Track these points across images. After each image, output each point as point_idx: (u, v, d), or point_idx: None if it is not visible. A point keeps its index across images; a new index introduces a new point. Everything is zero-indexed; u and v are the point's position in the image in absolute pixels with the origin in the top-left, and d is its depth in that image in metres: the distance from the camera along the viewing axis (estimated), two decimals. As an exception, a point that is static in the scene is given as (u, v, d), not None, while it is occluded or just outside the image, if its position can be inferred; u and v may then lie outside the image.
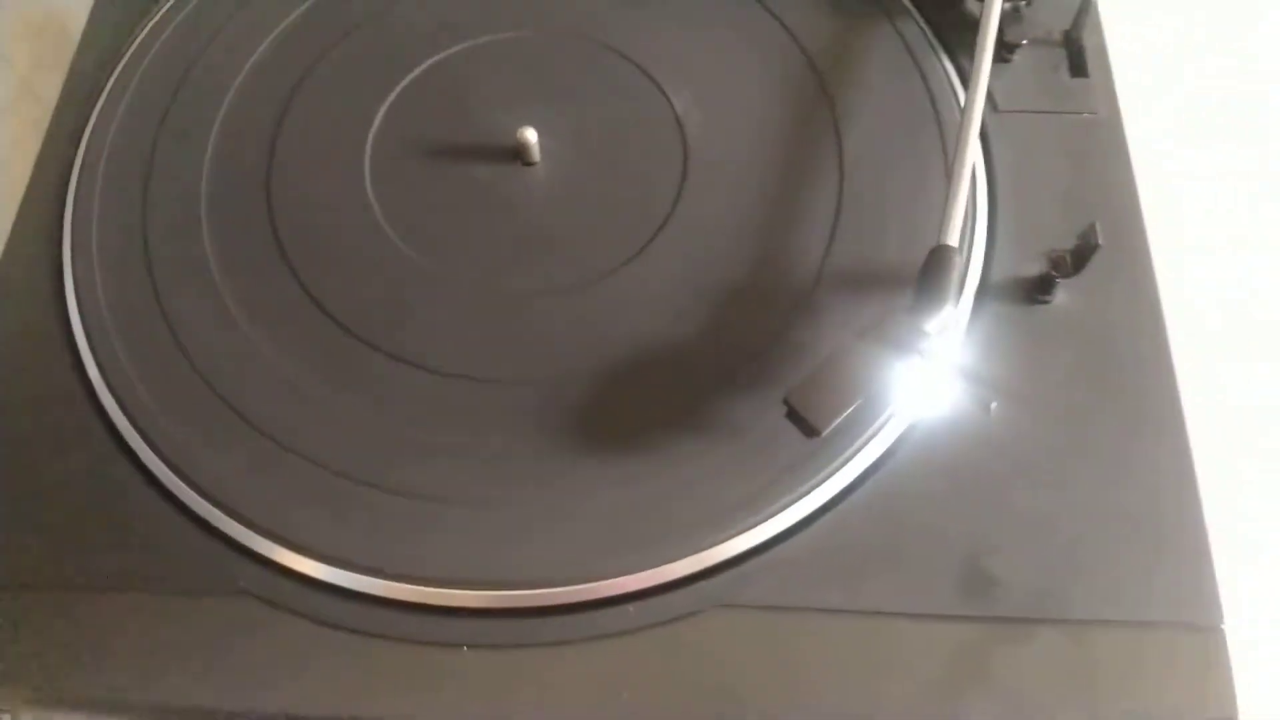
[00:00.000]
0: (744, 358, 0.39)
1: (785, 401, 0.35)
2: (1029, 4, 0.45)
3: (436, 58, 0.47)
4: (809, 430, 0.35)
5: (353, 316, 0.41)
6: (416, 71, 0.47)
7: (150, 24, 0.49)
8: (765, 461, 0.37)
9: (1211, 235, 0.51)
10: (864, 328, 0.36)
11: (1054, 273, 0.39)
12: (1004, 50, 0.45)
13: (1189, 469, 0.38)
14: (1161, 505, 0.37)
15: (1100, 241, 0.37)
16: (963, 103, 0.44)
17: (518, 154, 0.44)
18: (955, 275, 0.37)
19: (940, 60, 0.46)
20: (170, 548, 0.37)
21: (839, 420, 0.34)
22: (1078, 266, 0.38)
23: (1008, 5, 0.45)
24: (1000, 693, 0.34)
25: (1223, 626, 0.35)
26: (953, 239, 0.38)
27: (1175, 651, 0.35)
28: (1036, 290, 0.40)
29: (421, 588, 0.36)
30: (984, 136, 0.44)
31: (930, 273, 0.37)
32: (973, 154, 0.40)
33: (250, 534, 0.37)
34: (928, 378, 0.38)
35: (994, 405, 0.36)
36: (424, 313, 0.41)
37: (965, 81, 0.45)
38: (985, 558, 0.36)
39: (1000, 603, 0.35)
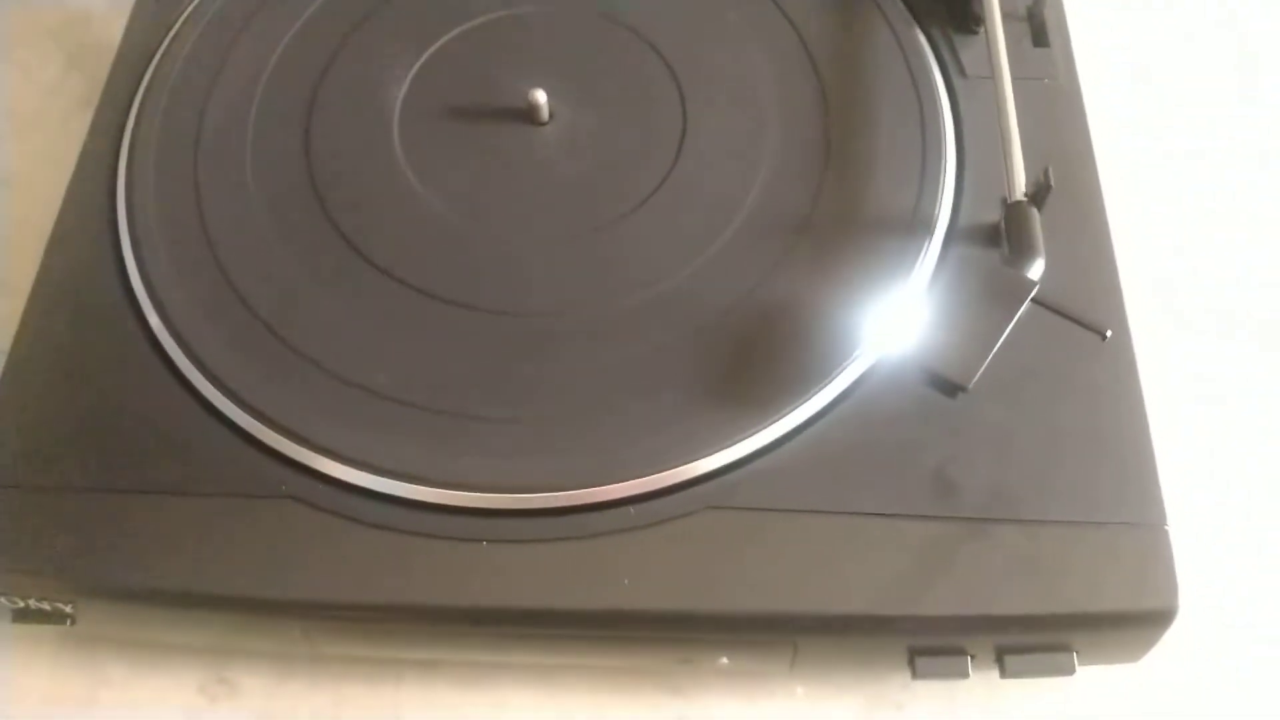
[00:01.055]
0: (736, 295, 0.44)
1: (925, 368, 0.38)
2: None
3: (459, 29, 0.51)
4: (954, 388, 0.38)
5: (382, 255, 0.45)
6: (438, 44, 0.51)
7: (192, 6, 0.53)
8: (752, 382, 0.41)
9: (1166, 192, 0.55)
10: (973, 285, 0.39)
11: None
12: (972, 23, 0.50)
13: (1135, 385, 0.41)
14: (1110, 418, 0.41)
15: (1052, 183, 0.42)
16: (936, 71, 0.49)
17: (529, 115, 0.48)
18: (1038, 226, 0.41)
19: (915, 32, 0.50)
20: (218, 457, 0.41)
21: (981, 371, 0.37)
22: (1034, 206, 0.43)
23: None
24: (960, 583, 0.38)
25: (1166, 526, 0.39)
26: (1020, 195, 0.42)
27: (1121, 547, 0.38)
28: (998, 233, 0.44)
29: (445, 490, 0.39)
30: (953, 99, 0.48)
31: (1015, 228, 0.41)
32: (1014, 124, 0.44)
33: (293, 445, 0.41)
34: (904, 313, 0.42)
35: (1108, 333, 0.40)
36: (447, 254, 0.45)
37: (937, 52, 0.50)
38: (949, 466, 0.40)
39: (961, 504, 0.39)
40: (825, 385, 0.41)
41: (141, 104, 0.50)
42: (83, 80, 0.61)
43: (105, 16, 0.63)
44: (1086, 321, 0.39)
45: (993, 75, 0.46)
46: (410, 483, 0.40)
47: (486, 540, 0.39)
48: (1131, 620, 0.38)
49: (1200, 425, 0.49)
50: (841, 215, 0.45)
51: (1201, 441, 0.49)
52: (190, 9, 0.53)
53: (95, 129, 0.50)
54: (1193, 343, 0.51)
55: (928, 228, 0.44)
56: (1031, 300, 0.39)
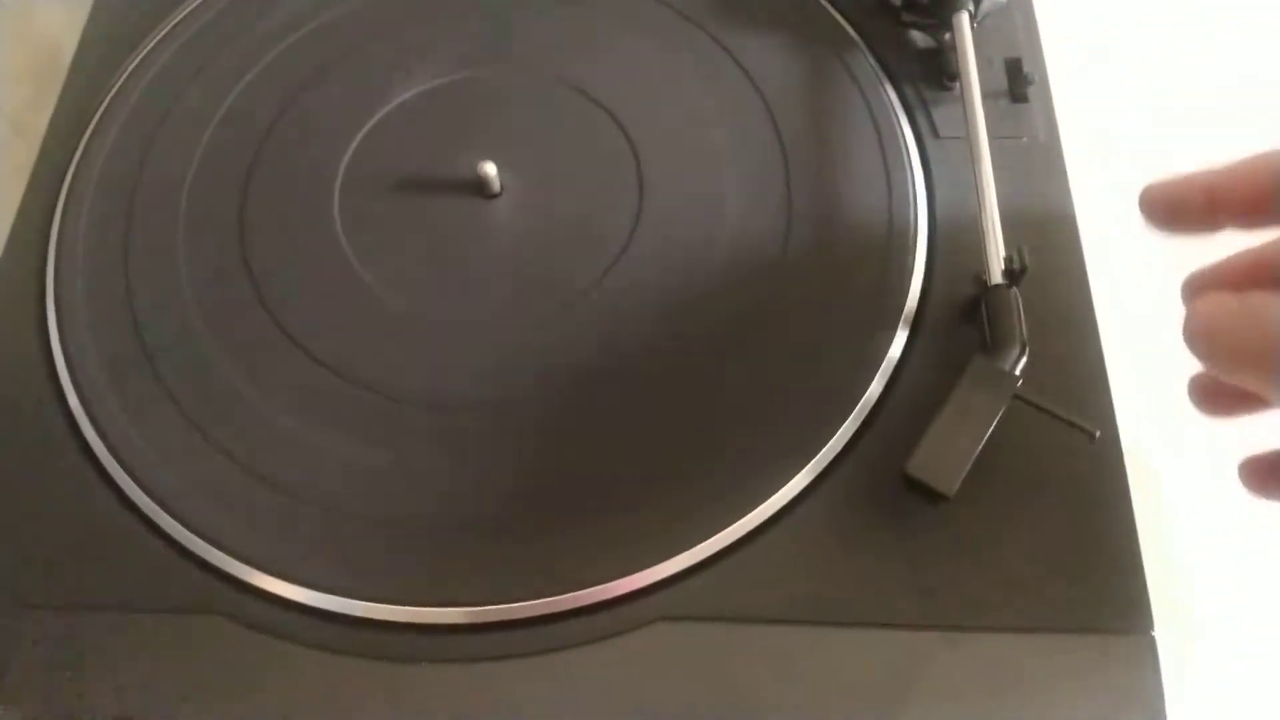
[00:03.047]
0: (694, 386, 0.41)
1: (905, 475, 0.36)
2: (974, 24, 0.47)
3: (402, 98, 0.49)
4: (938, 497, 0.36)
5: (320, 346, 0.43)
6: (381, 112, 0.48)
7: (132, 65, 0.51)
8: (708, 480, 0.39)
9: (1147, 251, 0.53)
10: (952, 385, 0.37)
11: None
12: (946, 79, 0.47)
13: (1124, 486, 0.39)
14: (1095, 521, 0.38)
15: (1029, 264, 0.39)
16: (908, 132, 0.46)
17: (479, 187, 0.46)
18: (1018, 313, 0.39)
19: (885, 90, 0.48)
20: (151, 570, 0.39)
21: (963, 477, 0.36)
22: (1013, 287, 0.40)
23: (946, 36, 0.47)
24: (936, 695, 0.36)
25: (1153, 633, 0.37)
26: (998, 278, 0.40)
27: (1106, 656, 0.36)
28: (972, 310, 0.41)
29: (383, 605, 0.37)
30: (925, 162, 0.46)
31: (996, 316, 0.39)
32: (993, 196, 0.42)
33: (223, 556, 0.38)
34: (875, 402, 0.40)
35: (1097, 434, 0.37)
36: (387, 344, 0.43)
37: (909, 111, 0.47)
38: (922, 571, 0.38)
39: (937, 612, 0.37)
40: (785, 484, 0.39)
41: (72, 182, 0.48)
42: (24, 147, 0.59)
43: (44, 64, 0.61)
44: (1074, 421, 0.37)
45: (968, 138, 0.43)
46: (345, 596, 0.38)
47: (428, 660, 0.37)
48: (1117, 734, 0.36)
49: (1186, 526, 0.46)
50: (805, 295, 0.43)
51: (1187, 539, 0.46)
52: (125, 74, 0.51)
53: (24, 210, 0.48)
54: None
55: (897, 308, 0.42)
56: (1015, 398, 0.36)
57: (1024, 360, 0.38)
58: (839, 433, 0.40)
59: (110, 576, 0.39)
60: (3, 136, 0.60)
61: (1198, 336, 0.30)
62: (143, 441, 0.41)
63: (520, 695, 0.36)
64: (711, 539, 0.38)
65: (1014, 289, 0.40)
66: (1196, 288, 0.34)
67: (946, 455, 0.36)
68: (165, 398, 0.42)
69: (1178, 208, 0.33)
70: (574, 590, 0.37)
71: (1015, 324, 0.39)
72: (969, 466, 0.36)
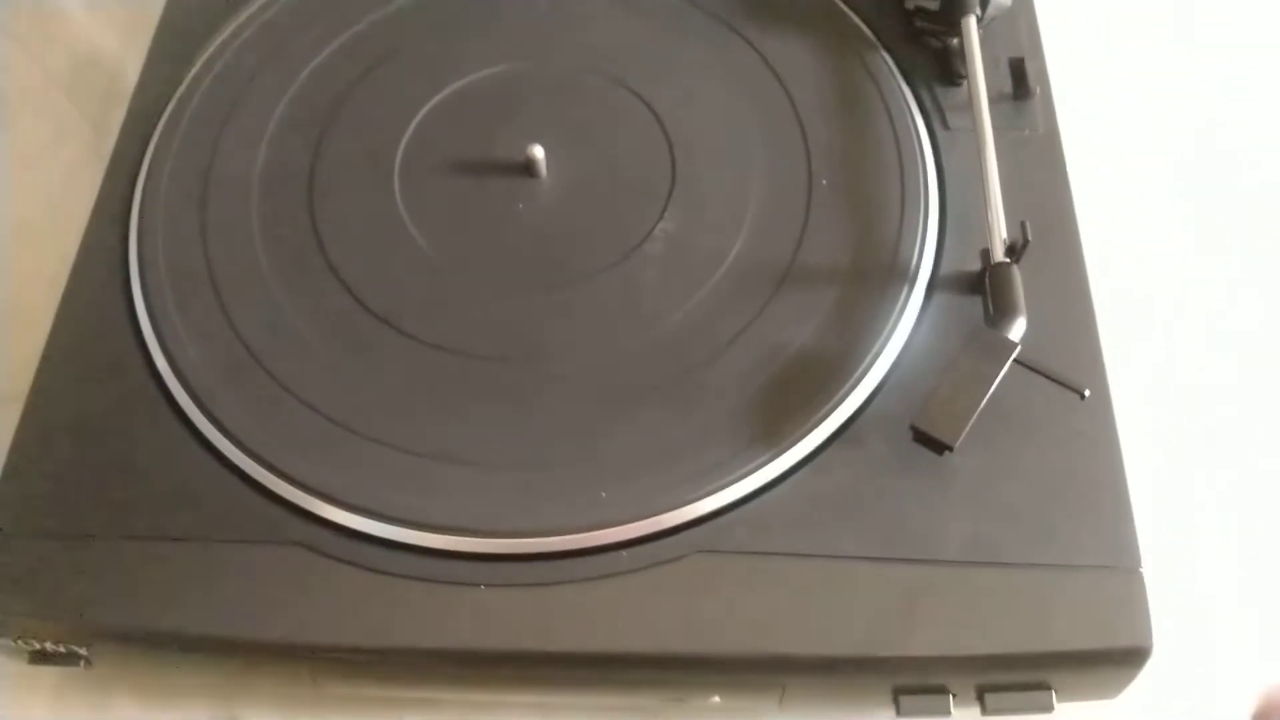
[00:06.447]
0: (722, 343, 0.45)
1: (913, 427, 0.40)
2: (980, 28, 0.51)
3: (459, 84, 0.53)
4: (941, 447, 0.40)
5: (384, 306, 0.47)
6: (439, 96, 0.53)
7: (202, 59, 0.55)
8: (739, 429, 0.43)
9: (1144, 234, 0.57)
10: (958, 348, 0.41)
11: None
12: (955, 76, 0.51)
13: (1113, 437, 0.43)
14: (1088, 467, 0.42)
15: (1030, 238, 0.43)
16: (920, 124, 0.51)
17: (527, 168, 0.50)
18: (1019, 287, 0.43)
19: (899, 86, 0.52)
20: (227, 506, 0.42)
21: (966, 430, 0.40)
22: (1012, 259, 0.44)
23: (954, 41, 0.51)
24: (943, 624, 0.39)
25: (1140, 569, 0.40)
26: (1000, 255, 0.44)
27: (1098, 590, 0.40)
28: (979, 283, 0.45)
29: (444, 535, 0.41)
30: (936, 151, 0.50)
31: (998, 289, 0.43)
32: (996, 182, 0.46)
33: (299, 493, 0.42)
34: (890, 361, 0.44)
35: (1087, 392, 0.41)
36: (447, 304, 0.47)
37: (921, 105, 0.52)
38: (932, 512, 0.41)
39: (944, 549, 0.40)
40: (811, 432, 0.43)
41: (152, 159, 0.51)
42: (90, 127, 0.63)
43: (115, 60, 0.65)
44: (1067, 381, 0.41)
45: (975, 129, 0.47)
46: (411, 528, 0.41)
47: (484, 584, 0.40)
48: (1107, 659, 0.40)
49: (1175, 470, 0.50)
50: (826, 265, 0.47)
51: (1176, 486, 0.50)
52: (199, 64, 0.55)
53: (108, 184, 0.52)
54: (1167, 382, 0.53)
55: (910, 276, 0.46)
56: (1014, 361, 0.40)
57: (1023, 328, 0.42)
58: (859, 388, 0.43)
59: (191, 510, 0.42)
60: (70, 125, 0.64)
61: None
62: (226, 394, 0.44)
63: (565, 618, 0.40)
64: (746, 479, 0.41)
65: (1014, 265, 0.44)
66: None
67: (951, 410, 0.40)
68: (244, 354, 0.46)
69: None
70: (619, 525, 0.41)
71: (1015, 296, 0.42)
72: (972, 421, 0.40)
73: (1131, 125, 0.61)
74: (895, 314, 0.45)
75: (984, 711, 0.41)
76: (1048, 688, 0.40)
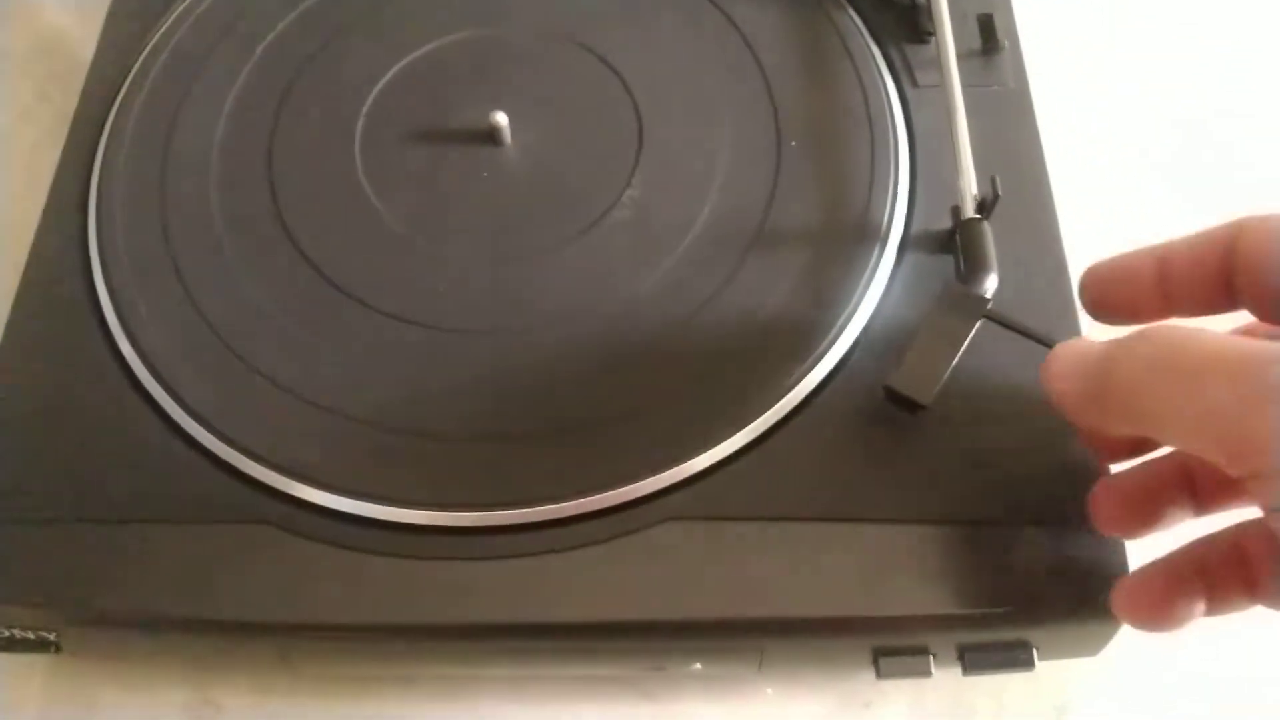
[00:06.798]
0: (692, 308, 0.45)
1: (885, 387, 0.40)
2: None
3: (420, 51, 0.52)
4: (914, 406, 0.40)
5: (348, 279, 0.46)
6: (400, 64, 0.52)
7: (156, 35, 0.54)
8: (709, 395, 0.42)
9: (1139, 224, 0.56)
10: (929, 306, 0.41)
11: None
12: (923, 33, 0.51)
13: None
14: (1063, 425, 0.41)
15: (1000, 192, 0.43)
16: (887, 77, 0.50)
17: (491, 136, 0.49)
18: (990, 243, 0.42)
19: (867, 44, 0.51)
20: (195, 486, 0.42)
21: (939, 388, 0.39)
22: (983, 215, 0.44)
23: (923, -5, 0.50)
24: (920, 583, 0.39)
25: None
26: (971, 212, 0.43)
27: (1076, 546, 0.39)
28: (951, 241, 0.45)
29: (415, 510, 0.40)
30: (905, 109, 0.49)
31: (969, 246, 0.43)
32: (966, 138, 0.45)
33: (268, 472, 0.41)
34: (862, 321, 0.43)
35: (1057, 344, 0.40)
36: (411, 276, 0.46)
37: (890, 63, 0.51)
38: (907, 471, 0.41)
39: (920, 508, 0.40)
40: (785, 396, 0.42)
41: (109, 139, 0.51)
42: (51, 109, 0.62)
43: (76, 41, 0.64)
44: (1039, 336, 0.40)
45: (943, 86, 0.47)
46: (381, 504, 0.41)
47: (458, 558, 0.40)
48: (1087, 615, 0.39)
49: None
50: (796, 228, 0.46)
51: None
52: (154, 41, 0.54)
53: (64, 165, 0.51)
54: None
55: (881, 236, 0.45)
56: (985, 317, 0.40)
57: (995, 283, 0.42)
58: (831, 350, 0.43)
59: (159, 492, 0.42)
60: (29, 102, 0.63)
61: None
62: (190, 374, 0.44)
63: (540, 590, 0.39)
64: (719, 445, 0.41)
65: (985, 221, 0.43)
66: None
67: (924, 369, 0.40)
68: (207, 331, 0.45)
69: (1125, 287, 0.36)
70: (591, 495, 0.40)
71: (986, 252, 0.42)
72: (945, 378, 0.39)
73: (1129, 116, 0.61)
74: (867, 275, 0.45)
75: (965, 671, 0.41)
76: (1029, 645, 0.40)
